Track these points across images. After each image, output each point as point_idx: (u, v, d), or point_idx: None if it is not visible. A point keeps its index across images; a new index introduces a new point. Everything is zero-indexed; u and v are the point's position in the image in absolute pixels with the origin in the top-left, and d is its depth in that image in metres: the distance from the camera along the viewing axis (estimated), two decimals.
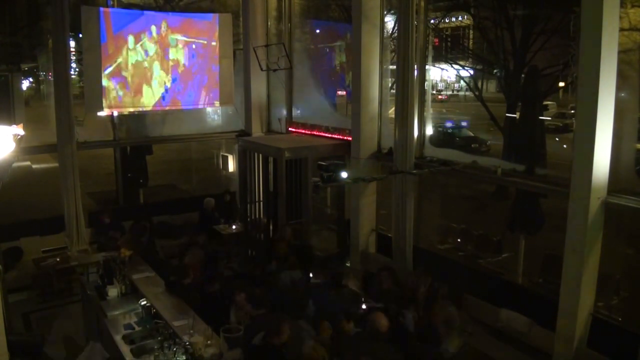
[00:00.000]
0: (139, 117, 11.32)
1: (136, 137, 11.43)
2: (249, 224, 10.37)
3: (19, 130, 4.65)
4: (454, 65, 10.69)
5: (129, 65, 10.55)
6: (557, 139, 10.11)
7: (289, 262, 6.93)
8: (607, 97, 5.59)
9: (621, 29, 5.79)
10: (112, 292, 6.61)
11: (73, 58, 10.39)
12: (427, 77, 8.50)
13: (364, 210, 9.10)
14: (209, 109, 12.28)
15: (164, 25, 10.82)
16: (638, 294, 7.29)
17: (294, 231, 8.32)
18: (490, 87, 11.38)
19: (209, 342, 5.14)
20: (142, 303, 6.17)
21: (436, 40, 10.10)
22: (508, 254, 8.79)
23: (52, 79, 9.83)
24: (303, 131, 10.78)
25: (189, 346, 5.04)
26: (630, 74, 6.15)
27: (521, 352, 6.67)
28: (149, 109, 11.03)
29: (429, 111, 8.66)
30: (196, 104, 11.55)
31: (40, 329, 7.68)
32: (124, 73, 10.52)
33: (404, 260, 8.11)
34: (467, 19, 10.71)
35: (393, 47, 8.96)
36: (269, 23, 11.59)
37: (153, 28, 10.69)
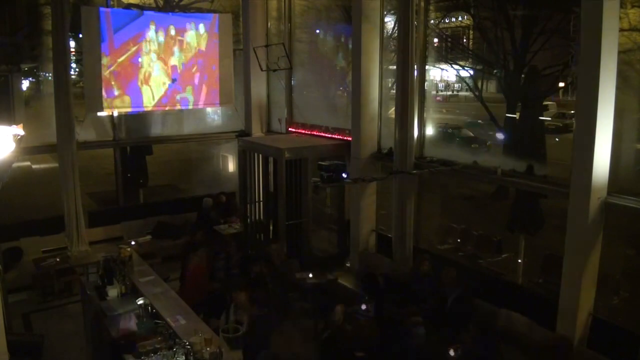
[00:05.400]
0: (139, 117, 11.33)
1: (136, 137, 11.44)
2: (249, 224, 10.36)
3: (19, 130, 4.64)
4: (453, 66, 10.67)
5: (129, 65, 10.55)
6: (557, 139, 10.07)
7: None
8: (607, 97, 5.60)
9: (621, 29, 5.79)
10: (112, 292, 6.59)
11: (73, 58, 10.37)
12: (427, 77, 8.50)
13: (364, 210, 9.11)
14: (209, 109, 12.29)
15: (163, 25, 10.82)
16: (638, 294, 7.28)
17: None
18: (491, 88, 11.35)
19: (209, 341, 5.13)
20: (142, 302, 6.16)
21: (436, 40, 10.08)
22: (508, 254, 8.79)
23: (52, 79, 9.82)
24: (303, 131, 10.78)
25: (189, 346, 5.03)
26: (630, 74, 6.15)
27: (521, 352, 6.66)
28: (149, 109, 11.03)
29: (429, 111, 8.66)
30: (196, 104, 11.55)
31: (40, 329, 7.68)
32: (124, 73, 10.52)
33: (404, 260, 8.11)
34: (467, 19, 10.68)
35: (393, 47, 8.96)
36: (269, 23, 11.59)
37: (153, 28, 10.70)
